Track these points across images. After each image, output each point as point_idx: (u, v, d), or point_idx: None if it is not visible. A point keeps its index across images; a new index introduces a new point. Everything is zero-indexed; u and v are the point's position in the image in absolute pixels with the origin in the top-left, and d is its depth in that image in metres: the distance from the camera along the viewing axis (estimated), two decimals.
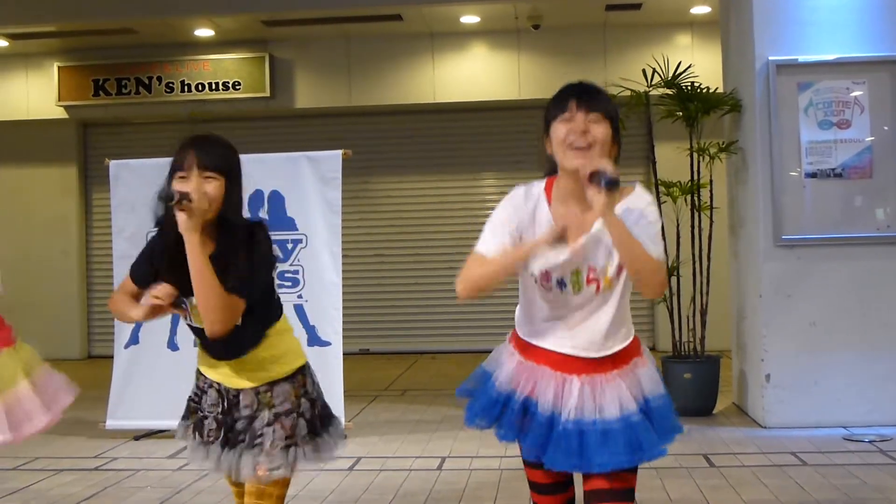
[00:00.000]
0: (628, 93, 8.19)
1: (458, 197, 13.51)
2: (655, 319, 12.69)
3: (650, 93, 8.39)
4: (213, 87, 13.07)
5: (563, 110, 3.18)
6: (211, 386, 3.54)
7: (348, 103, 13.15)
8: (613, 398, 3.17)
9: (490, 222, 3.26)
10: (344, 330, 7.59)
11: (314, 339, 7.51)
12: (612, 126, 3.17)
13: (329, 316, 7.54)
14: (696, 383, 8.12)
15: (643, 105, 8.37)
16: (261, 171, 7.68)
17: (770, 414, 7.55)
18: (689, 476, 6.12)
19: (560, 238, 3.14)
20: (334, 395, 7.43)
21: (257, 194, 7.64)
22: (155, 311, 3.37)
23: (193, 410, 3.61)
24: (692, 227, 8.35)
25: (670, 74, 8.32)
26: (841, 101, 7.66)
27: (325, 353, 7.48)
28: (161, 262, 3.39)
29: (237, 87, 13.06)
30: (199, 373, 3.62)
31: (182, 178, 3.30)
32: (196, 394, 3.60)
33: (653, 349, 12.07)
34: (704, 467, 6.39)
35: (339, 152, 7.70)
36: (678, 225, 8.39)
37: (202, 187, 3.27)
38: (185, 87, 13.08)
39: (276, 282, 3.67)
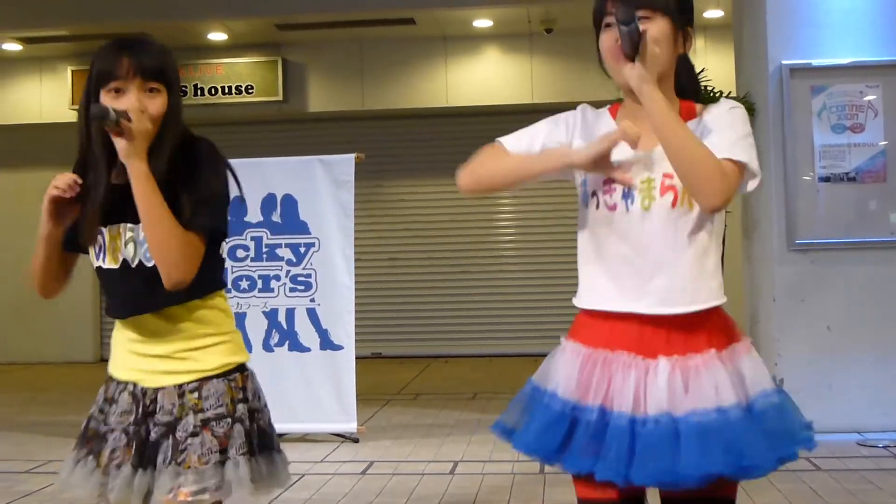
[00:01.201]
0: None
1: (470, 200, 13.48)
2: None
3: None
4: (226, 90, 13.09)
5: (603, 13, 2.58)
6: (123, 390, 2.78)
7: (361, 107, 13.16)
8: (710, 384, 2.46)
9: (527, 128, 2.71)
10: (356, 333, 7.60)
11: (327, 343, 7.52)
12: (674, 17, 2.54)
13: (342, 319, 7.55)
14: None
15: None
16: (274, 175, 7.70)
17: None
18: None
19: (629, 143, 2.47)
20: (347, 398, 7.45)
21: (270, 198, 7.65)
22: (56, 212, 2.74)
23: (91, 435, 2.80)
24: None
25: None
26: (854, 104, 7.63)
27: (337, 356, 7.50)
28: (82, 195, 2.72)
29: (250, 91, 13.07)
30: (107, 381, 2.85)
31: (117, 90, 2.65)
32: (100, 409, 2.82)
33: None
34: None
35: (352, 156, 7.71)
36: None
37: (144, 103, 2.63)
38: (199, 91, 13.10)
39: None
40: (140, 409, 2.74)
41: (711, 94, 8.26)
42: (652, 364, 2.47)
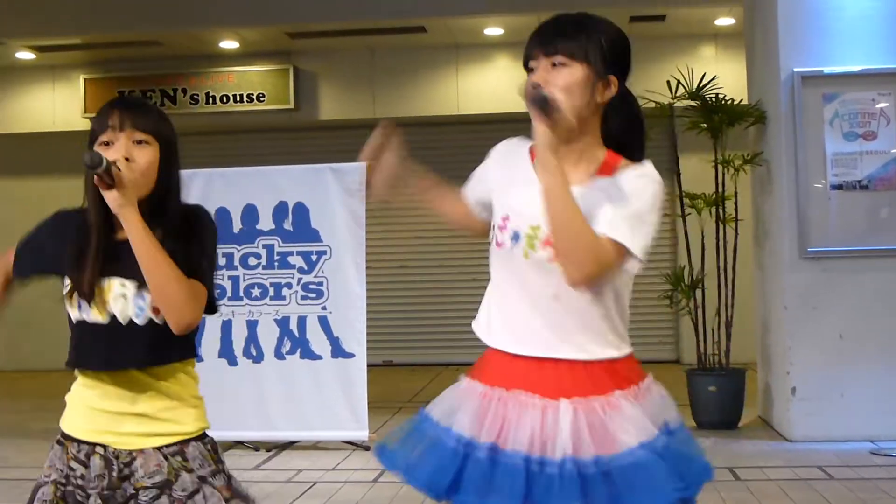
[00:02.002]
0: (652, 104, 8.17)
1: None
2: (680, 332, 12.63)
3: (674, 104, 8.38)
4: (238, 98, 13.11)
5: (528, 55, 2.63)
6: (92, 453, 2.65)
7: (372, 115, 13.15)
8: (624, 423, 2.43)
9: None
10: (367, 341, 7.60)
11: (338, 351, 7.53)
12: (594, 65, 2.54)
13: (353, 327, 7.55)
14: (722, 396, 8.08)
15: (667, 117, 8.35)
16: (285, 183, 7.72)
17: (796, 427, 7.51)
18: (715, 490, 6.08)
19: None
20: (358, 406, 7.45)
21: (282, 206, 7.67)
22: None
23: (60, 501, 2.65)
24: (717, 239, 8.32)
25: (694, 86, 8.31)
26: (866, 112, 7.62)
27: (348, 364, 7.51)
28: (69, 245, 2.69)
29: (261, 99, 13.09)
30: (65, 442, 2.71)
31: (105, 143, 2.63)
32: (65, 474, 2.66)
33: (677, 362, 12.07)
34: (730, 481, 6.36)
35: (364, 164, 7.66)
36: (703, 237, 8.36)
37: (132, 152, 2.60)
38: (210, 99, 13.12)
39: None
40: (114, 473, 2.64)
41: (723, 103, 8.26)
42: (551, 405, 2.44)
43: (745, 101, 8.57)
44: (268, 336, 7.61)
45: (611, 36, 2.62)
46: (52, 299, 2.85)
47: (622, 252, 2.40)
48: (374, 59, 13.00)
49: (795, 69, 7.66)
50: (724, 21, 11.82)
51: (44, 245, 2.80)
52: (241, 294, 7.58)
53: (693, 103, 8.35)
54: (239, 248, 7.63)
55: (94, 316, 2.65)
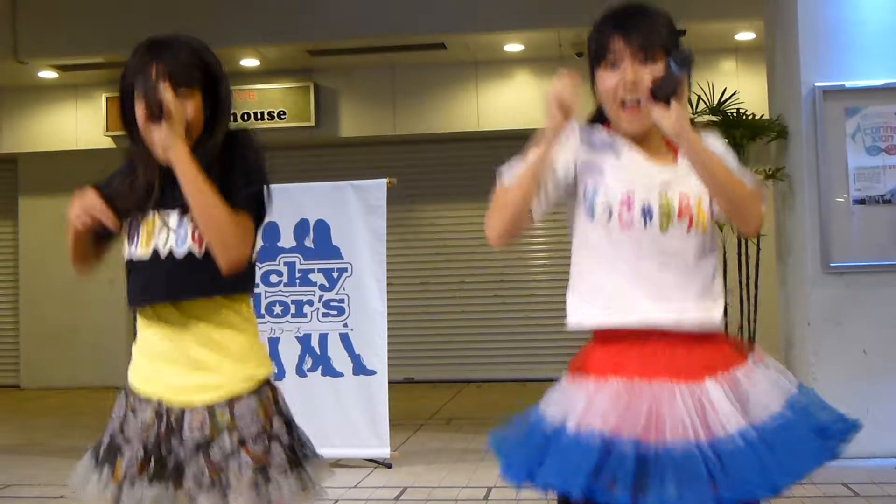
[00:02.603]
0: None
1: None
2: None
3: (695, 120, 8.36)
4: (259, 116, 13.15)
5: (605, 51, 2.57)
6: (147, 406, 2.69)
7: (393, 132, 13.19)
8: (763, 390, 2.48)
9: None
10: (389, 358, 7.59)
11: (360, 368, 7.52)
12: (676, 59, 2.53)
13: (374, 344, 7.54)
14: None
15: None
16: (306, 200, 7.74)
17: None
18: None
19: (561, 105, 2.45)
20: (380, 423, 7.44)
21: (303, 223, 7.68)
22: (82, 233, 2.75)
23: (111, 450, 2.71)
24: (739, 254, 8.29)
25: (715, 101, 8.29)
26: (889, 126, 7.58)
27: (370, 381, 7.50)
28: (121, 182, 2.75)
29: (282, 117, 13.13)
30: (127, 392, 2.77)
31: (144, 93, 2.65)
32: (119, 424, 2.74)
33: None
34: None
35: (385, 181, 7.72)
36: (725, 252, 8.33)
37: (176, 102, 2.61)
38: (232, 117, 13.15)
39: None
40: (163, 426, 2.66)
41: (744, 117, 8.24)
42: (699, 388, 2.43)
43: (766, 116, 8.55)
44: (289, 353, 7.62)
45: (671, 22, 2.67)
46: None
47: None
48: (394, 76, 13.03)
49: (817, 83, 7.63)
50: (745, 36, 11.80)
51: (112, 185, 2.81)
52: (263, 311, 7.60)
53: (714, 118, 8.33)
54: (260, 265, 7.65)
55: (139, 252, 2.68)
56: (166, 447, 2.63)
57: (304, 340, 7.63)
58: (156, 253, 2.65)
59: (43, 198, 14.22)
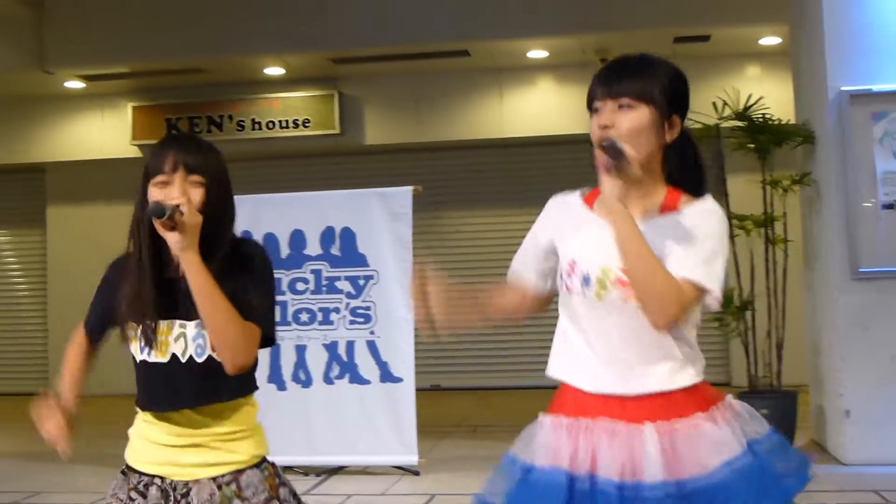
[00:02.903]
0: (699, 125, 8.12)
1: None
2: (730, 354, 12.52)
3: (721, 125, 8.33)
4: (283, 124, 13.19)
5: (591, 100, 2.65)
6: (150, 484, 2.77)
7: (417, 139, 13.20)
8: (706, 444, 2.48)
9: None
10: (415, 365, 7.59)
11: (386, 376, 7.52)
12: (658, 107, 2.56)
13: (401, 352, 7.55)
14: (774, 419, 7.87)
15: (714, 138, 8.30)
16: (332, 208, 7.75)
17: (850, 450, 7.40)
18: None
19: None
20: (407, 430, 7.44)
21: (329, 231, 7.69)
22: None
23: None
24: (766, 260, 8.25)
25: (741, 106, 8.26)
26: None
27: (396, 389, 7.50)
28: (126, 289, 2.79)
29: (307, 125, 13.16)
30: (127, 473, 2.84)
31: (162, 183, 2.71)
32: (124, 503, 2.79)
33: (727, 384, 11.94)
34: None
35: (410, 188, 7.73)
36: (752, 258, 8.30)
37: (189, 193, 2.69)
38: (256, 125, 13.21)
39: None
40: (171, 503, 2.75)
41: (770, 122, 8.21)
42: (637, 430, 2.49)
43: (791, 121, 8.51)
44: (316, 361, 7.63)
45: (672, 76, 2.65)
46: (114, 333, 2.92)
47: (701, 291, 2.47)
48: (418, 84, 13.03)
49: (843, 88, 7.59)
50: (770, 41, 11.76)
51: (104, 300, 2.89)
52: (290, 319, 7.61)
53: (740, 124, 8.30)
54: (287, 273, 7.67)
55: (154, 356, 2.76)
56: None
57: (331, 348, 7.64)
58: (175, 358, 2.75)
59: (70, 206, 14.31)
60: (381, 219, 7.68)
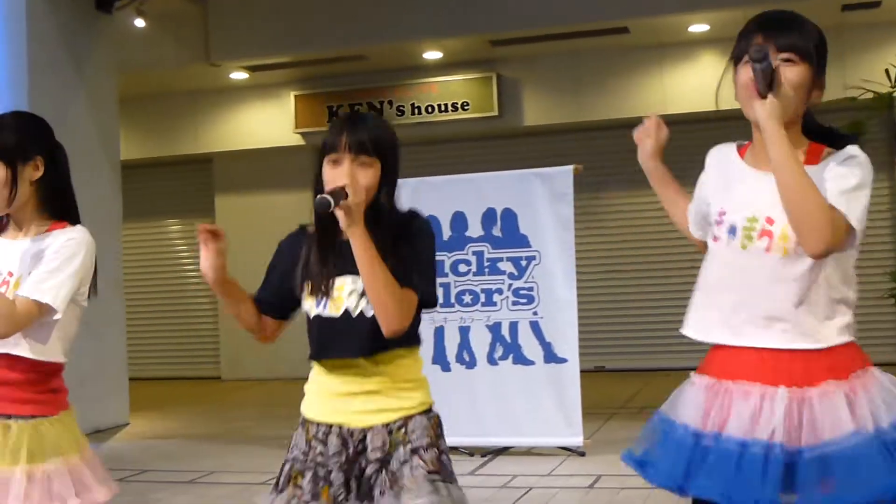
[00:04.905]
0: (870, 95, 7.84)
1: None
2: None
3: (893, 94, 8.03)
4: (442, 108, 13.26)
5: (744, 51, 2.61)
6: (329, 433, 2.97)
7: (577, 119, 13.11)
8: (838, 413, 2.46)
9: None
10: (579, 346, 7.53)
11: (550, 357, 7.49)
12: (814, 65, 2.57)
13: (564, 332, 7.50)
14: None
15: (886, 108, 8.01)
16: (493, 190, 7.74)
17: None
18: None
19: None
20: (572, 411, 7.40)
21: (490, 212, 7.68)
22: (222, 290, 3.05)
23: (297, 474, 2.97)
24: None
25: None
26: None
27: (561, 369, 7.46)
28: (302, 254, 3.02)
29: (465, 108, 13.20)
30: (305, 424, 3.05)
31: (334, 161, 2.92)
32: (304, 451, 2.99)
33: None
34: None
35: (570, 168, 7.66)
36: None
37: (356, 175, 2.87)
38: (415, 110, 13.31)
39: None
40: (351, 449, 2.93)
41: None
42: (770, 391, 2.52)
43: None
44: (480, 342, 7.64)
45: (820, 36, 2.64)
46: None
47: (847, 226, 2.47)
48: (577, 63, 12.93)
49: None
50: None
51: (280, 266, 3.13)
52: (453, 301, 7.64)
53: None
54: (449, 255, 7.69)
55: (329, 311, 2.97)
56: (358, 468, 2.92)
57: (495, 329, 7.64)
58: (347, 313, 2.95)
59: (237, 195, 14.68)
60: (543, 199, 7.64)
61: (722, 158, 2.81)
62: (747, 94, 2.58)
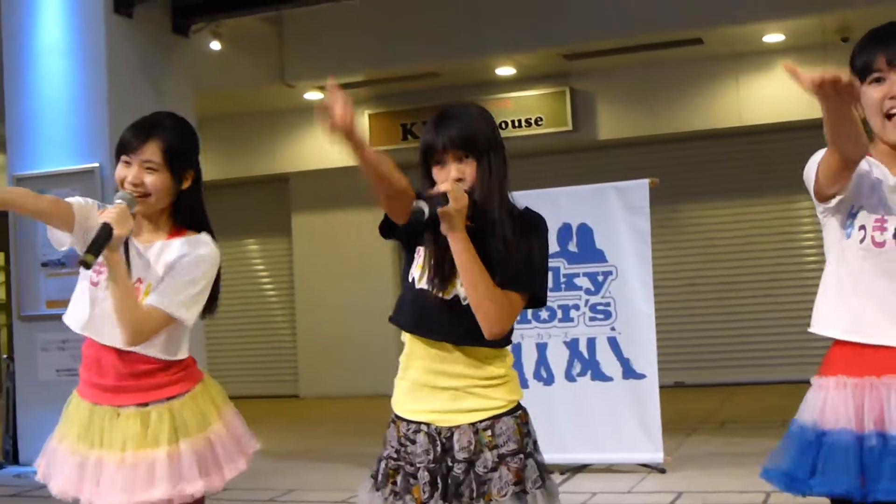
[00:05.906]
0: None
1: (771, 222, 13.07)
2: None
3: None
4: (516, 124, 13.24)
5: (871, 68, 2.62)
6: (418, 431, 2.97)
7: (652, 132, 13.02)
8: None
9: None
10: (658, 362, 7.46)
11: (629, 372, 7.42)
12: None
13: (643, 347, 7.43)
14: None
15: None
16: (568, 205, 7.70)
17: None
18: None
19: None
20: (652, 427, 7.32)
21: (566, 228, 7.64)
22: (351, 140, 2.96)
23: (392, 472, 2.99)
24: None
25: None
26: None
27: (640, 385, 7.39)
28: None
29: (539, 123, 13.18)
30: (396, 421, 3.03)
31: (436, 162, 2.92)
32: (396, 450, 3.00)
33: None
34: None
35: (646, 181, 7.60)
36: None
37: (460, 172, 2.89)
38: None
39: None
40: (438, 448, 2.93)
41: None
42: None
43: None
44: (558, 358, 7.60)
45: None
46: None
47: None
48: (650, 75, 12.85)
49: None
50: None
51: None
52: (530, 317, 7.60)
53: None
54: None
55: (423, 284, 2.95)
56: (445, 467, 2.92)
57: (572, 345, 7.59)
58: (456, 298, 2.92)
59: (313, 214, 14.78)
60: (619, 213, 7.58)
61: (865, 164, 2.71)
62: (877, 113, 2.61)
